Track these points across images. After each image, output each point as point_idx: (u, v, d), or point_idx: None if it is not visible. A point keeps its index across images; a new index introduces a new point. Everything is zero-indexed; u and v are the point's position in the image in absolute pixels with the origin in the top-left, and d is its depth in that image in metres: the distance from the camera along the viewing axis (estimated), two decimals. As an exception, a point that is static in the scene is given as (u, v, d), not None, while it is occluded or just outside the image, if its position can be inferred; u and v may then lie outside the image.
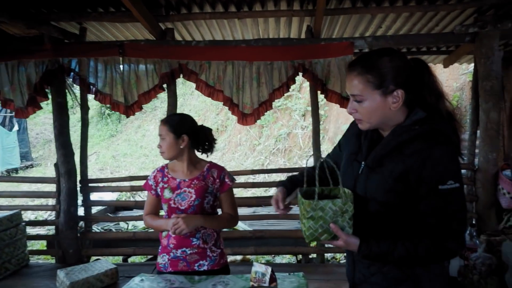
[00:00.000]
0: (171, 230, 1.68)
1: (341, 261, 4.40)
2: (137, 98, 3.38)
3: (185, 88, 12.14)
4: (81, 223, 3.75)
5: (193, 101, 11.80)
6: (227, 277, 1.75)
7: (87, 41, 3.66)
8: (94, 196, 5.71)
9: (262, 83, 3.32)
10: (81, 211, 3.77)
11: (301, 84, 9.28)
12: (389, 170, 1.13)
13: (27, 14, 3.21)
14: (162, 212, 1.89)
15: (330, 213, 1.11)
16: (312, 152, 3.72)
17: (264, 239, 3.60)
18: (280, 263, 4.37)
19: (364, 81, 1.12)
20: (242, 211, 4.22)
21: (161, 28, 3.48)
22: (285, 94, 3.52)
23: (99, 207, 4.61)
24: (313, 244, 3.58)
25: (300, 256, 3.94)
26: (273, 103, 3.42)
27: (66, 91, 3.77)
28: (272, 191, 7.57)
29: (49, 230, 5.43)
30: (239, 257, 4.14)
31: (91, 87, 3.40)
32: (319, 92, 3.45)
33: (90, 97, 3.63)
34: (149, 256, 4.17)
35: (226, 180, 1.84)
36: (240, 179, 3.66)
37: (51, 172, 3.72)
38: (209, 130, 1.91)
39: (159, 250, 1.89)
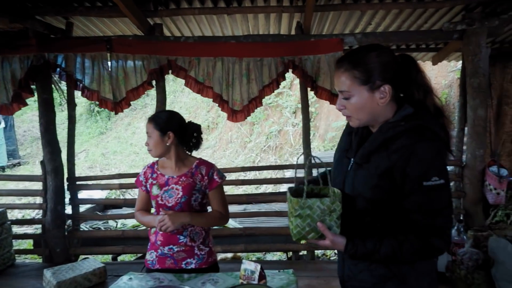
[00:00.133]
0: (157, 227, 1.68)
1: (331, 258, 4.43)
2: (125, 94, 3.33)
3: (175, 85, 12.05)
4: (69, 222, 3.69)
5: (183, 98, 11.73)
6: (217, 274, 1.74)
7: (74, 36, 3.59)
8: (83, 194, 5.66)
9: (252, 79, 3.31)
10: (69, 210, 3.71)
11: (292, 81, 9.28)
12: (374, 167, 1.13)
13: (11, 8, 3.13)
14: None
15: (318, 212, 1.11)
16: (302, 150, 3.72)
17: (254, 236, 3.59)
18: (270, 261, 4.37)
19: (351, 77, 1.13)
20: (232, 208, 4.21)
21: (150, 23, 3.43)
22: (276, 91, 3.52)
23: (88, 206, 4.54)
24: (303, 241, 3.59)
25: (290, 253, 3.95)
26: (263, 100, 3.41)
27: (53, 87, 3.70)
28: (263, 188, 7.58)
29: (37, 229, 5.35)
30: (229, 255, 4.13)
31: (78, 83, 3.34)
32: (309, 89, 3.44)
33: (78, 93, 3.57)
34: (139, 255, 4.14)
35: (215, 177, 1.82)
36: (230, 176, 3.63)
37: (39, 170, 3.64)
38: (197, 126, 1.89)
39: (148, 247, 1.88)
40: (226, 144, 9.57)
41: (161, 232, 1.77)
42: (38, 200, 3.66)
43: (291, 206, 1.15)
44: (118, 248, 3.64)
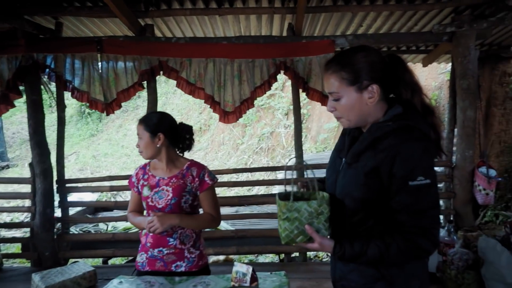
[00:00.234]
0: (146, 228, 1.67)
1: (324, 260, 4.43)
2: (115, 96, 3.30)
3: (167, 87, 11.99)
4: (58, 225, 3.64)
5: (175, 100, 11.67)
6: (208, 277, 1.73)
7: (64, 36, 3.55)
8: (73, 197, 5.57)
9: (244, 80, 3.30)
10: (58, 213, 3.65)
11: (284, 83, 9.30)
12: (362, 166, 1.13)
13: (-1, 8, 3.08)
14: None
15: (305, 215, 1.12)
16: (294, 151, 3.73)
17: (246, 238, 3.58)
18: (263, 263, 4.36)
19: (339, 78, 1.14)
20: (224, 210, 4.19)
21: (141, 24, 3.41)
22: (268, 93, 3.53)
23: (78, 208, 4.48)
24: (294, 244, 3.58)
25: (282, 255, 3.94)
26: (255, 101, 3.41)
27: (42, 88, 3.65)
28: (255, 190, 7.57)
29: (25, 232, 5.26)
30: (221, 257, 4.10)
31: (68, 84, 3.30)
32: (300, 90, 3.45)
33: (68, 95, 3.53)
34: (130, 258, 4.09)
35: (206, 179, 1.80)
36: (223, 178, 3.62)
37: (28, 173, 3.59)
38: (189, 127, 1.87)
39: (139, 249, 1.87)
40: (218, 146, 9.54)
41: (151, 234, 1.75)
42: (27, 203, 3.59)
43: (279, 210, 1.16)
44: (109, 251, 3.60)
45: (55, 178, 3.58)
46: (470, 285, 2.74)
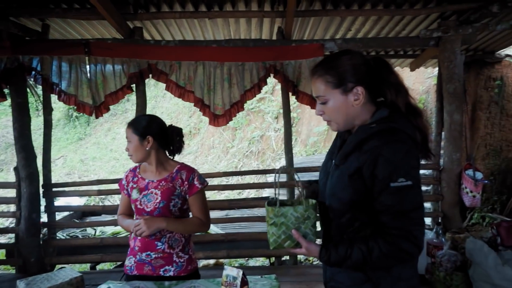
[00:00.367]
0: (133, 232, 1.65)
1: (314, 263, 4.44)
2: (103, 99, 3.27)
3: (157, 90, 11.91)
4: (44, 230, 3.56)
5: (165, 104, 11.60)
6: (198, 281, 1.71)
7: (50, 38, 3.50)
8: (60, 202, 5.49)
9: (234, 84, 3.30)
10: (45, 218, 3.58)
11: (274, 87, 9.33)
12: (346, 167, 1.15)
13: (-17, 9, 3.03)
14: None
15: (292, 220, 1.15)
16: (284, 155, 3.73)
17: (236, 242, 3.56)
18: (253, 266, 4.34)
19: (325, 81, 1.16)
20: (214, 214, 4.17)
21: (129, 26, 3.39)
22: (258, 97, 3.53)
23: (65, 213, 4.41)
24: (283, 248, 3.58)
25: (273, 259, 3.93)
26: (245, 105, 3.41)
27: (28, 91, 3.59)
28: (245, 194, 7.55)
29: (10, 238, 5.15)
30: (211, 261, 4.07)
31: (55, 87, 3.26)
32: (290, 94, 3.46)
33: (55, 98, 3.47)
34: (118, 263, 4.03)
35: (195, 182, 1.79)
36: (213, 181, 3.60)
37: (14, 178, 3.52)
38: (178, 129, 1.86)
39: (128, 252, 1.85)
40: (208, 149, 9.50)
41: (139, 238, 1.73)
42: (12, 208, 3.51)
43: (267, 215, 1.18)
44: (97, 257, 3.54)
45: (41, 182, 3.51)
46: (459, 286, 2.77)
